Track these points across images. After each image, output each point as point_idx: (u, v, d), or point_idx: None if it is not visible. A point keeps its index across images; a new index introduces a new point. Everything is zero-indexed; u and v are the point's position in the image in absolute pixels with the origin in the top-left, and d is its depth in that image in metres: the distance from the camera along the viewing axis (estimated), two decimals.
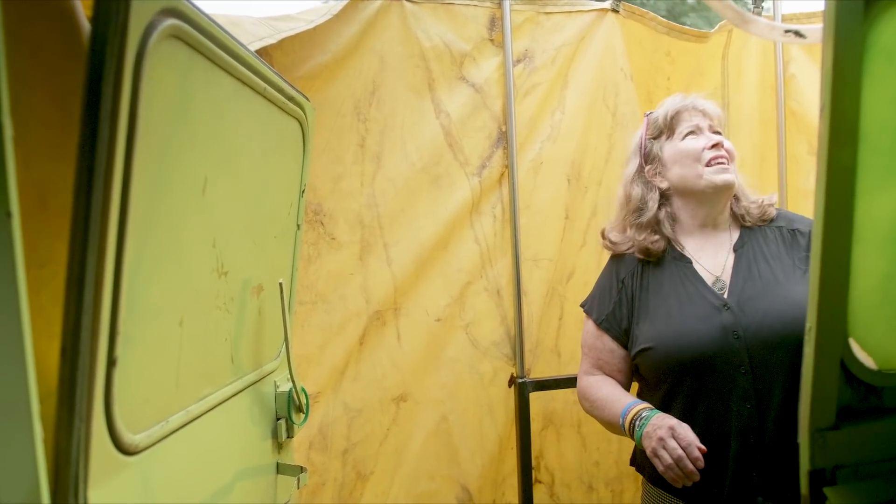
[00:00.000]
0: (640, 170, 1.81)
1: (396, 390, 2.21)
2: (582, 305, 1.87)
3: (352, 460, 2.16)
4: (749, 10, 2.51)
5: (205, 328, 1.19)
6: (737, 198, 1.77)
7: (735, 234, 1.73)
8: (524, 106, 2.32)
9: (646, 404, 1.62)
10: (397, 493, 2.22)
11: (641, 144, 1.82)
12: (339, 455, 2.14)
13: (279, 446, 1.61)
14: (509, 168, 2.30)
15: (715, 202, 1.71)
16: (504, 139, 2.30)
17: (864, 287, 1.01)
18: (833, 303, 0.99)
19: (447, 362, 2.27)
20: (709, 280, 1.67)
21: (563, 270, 2.40)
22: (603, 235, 1.88)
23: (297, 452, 1.94)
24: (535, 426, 2.37)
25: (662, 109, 1.79)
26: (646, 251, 1.74)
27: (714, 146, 1.70)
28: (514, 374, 2.34)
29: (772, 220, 1.75)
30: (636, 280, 1.75)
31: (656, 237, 1.74)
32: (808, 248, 1.66)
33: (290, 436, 1.63)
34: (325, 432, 2.12)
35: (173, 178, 1.01)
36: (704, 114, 1.75)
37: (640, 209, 1.78)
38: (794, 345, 1.48)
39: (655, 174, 1.78)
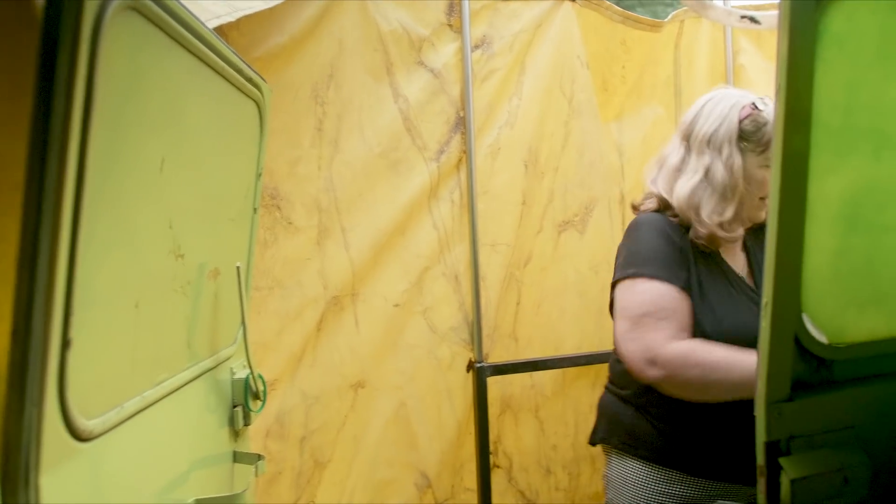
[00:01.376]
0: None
1: (354, 377, 2.19)
2: (638, 275, 1.63)
3: (309, 448, 2.14)
4: None
5: (161, 312, 1.17)
6: None
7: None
8: (482, 91, 2.32)
9: None
10: (355, 480, 2.21)
11: (735, 135, 1.63)
12: (296, 443, 2.12)
13: (236, 434, 1.59)
14: (467, 153, 2.30)
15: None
16: (462, 124, 2.29)
17: (815, 263, 1.04)
18: (788, 279, 1.01)
19: (405, 348, 2.26)
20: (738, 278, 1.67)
21: (520, 255, 2.41)
22: (722, 227, 1.64)
23: (253, 441, 1.91)
24: (493, 411, 2.38)
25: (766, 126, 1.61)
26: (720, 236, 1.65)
27: None
28: (472, 359, 2.34)
29: None
30: (691, 255, 1.65)
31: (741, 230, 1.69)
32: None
33: (246, 423, 1.61)
34: (282, 420, 2.09)
35: (130, 155, 0.99)
36: None
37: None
38: None
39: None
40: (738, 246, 1.74)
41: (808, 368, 1.08)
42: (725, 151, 1.62)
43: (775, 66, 0.97)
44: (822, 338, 1.08)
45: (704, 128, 1.65)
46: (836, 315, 1.10)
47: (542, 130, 2.40)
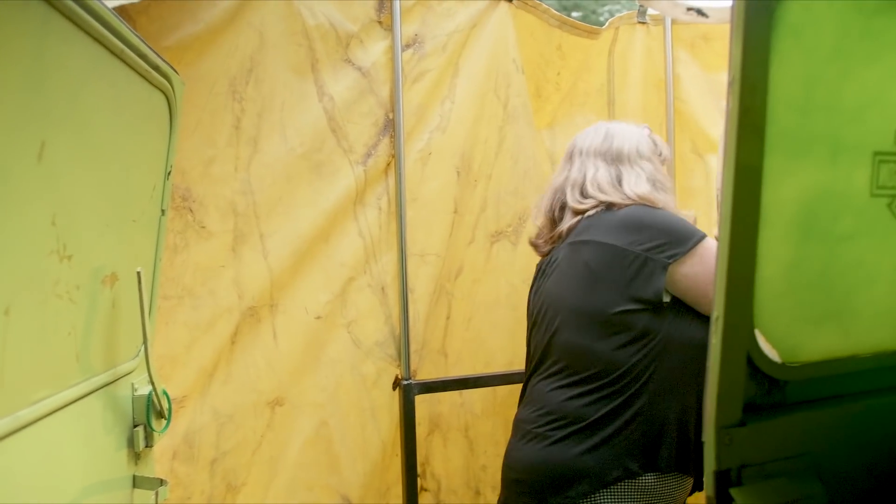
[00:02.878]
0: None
1: (272, 394, 2.06)
2: (702, 236, 1.66)
3: (221, 471, 2.00)
4: None
5: (40, 320, 1.04)
6: None
7: None
8: (413, 93, 2.23)
9: None
10: None
11: (652, 149, 1.89)
12: (206, 465, 1.97)
13: (136, 457, 1.46)
14: (396, 158, 2.20)
15: None
16: (391, 127, 2.20)
17: (768, 275, 0.98)
18: (741, 290, 0.95)
19: (327, 363, 2.14)
20: None
21: (451, 267, 2.33)
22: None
23: (158, 464, 1.78)
24: (421, 431, 2.28)
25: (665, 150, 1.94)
26: None
27: None
28: (399, 376, 2.24)
29: None
30: None
31: None
32: None
33: (149, 445, 1.49)
34: (192, 440, 1.94)
35: None
36: None
37: None
38: None
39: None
40: None
41: (760, 390, 1.02)
42: (655, 161, 1.86)
43: (728, 58, 0.92)
44: (774, 356, 1.02)
45: (626, 145, 1.84)
46: (789, 332, 1.04)
47: (475, 136, 2.32)
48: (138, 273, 1.35)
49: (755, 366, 1.00)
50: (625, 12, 2.68)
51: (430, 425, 2.33)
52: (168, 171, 1.56)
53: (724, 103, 0.94)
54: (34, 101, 0.94)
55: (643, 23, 2.61)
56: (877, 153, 1.07)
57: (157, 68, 1.38)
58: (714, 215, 2.65)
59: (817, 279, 1.06)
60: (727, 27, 0.92)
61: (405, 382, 2.22)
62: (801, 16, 0.95)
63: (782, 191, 0.99)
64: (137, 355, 1.46)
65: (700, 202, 2.67)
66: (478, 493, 2.39)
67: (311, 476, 2.14)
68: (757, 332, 0.99)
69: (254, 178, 2.01)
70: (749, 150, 0.92)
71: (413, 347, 2.25)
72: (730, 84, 0.91)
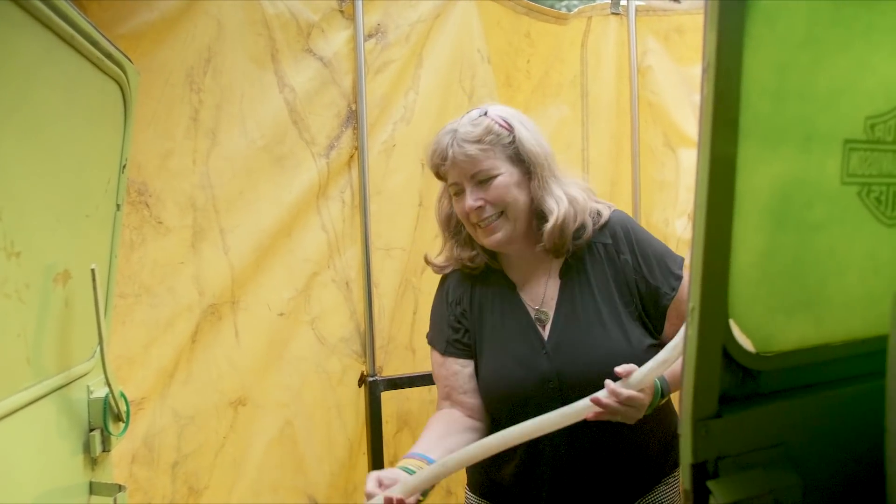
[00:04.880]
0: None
1: (234, 393, 2.02)
2: (429, 342, 1.73)
3: (183, 474, 1.95)
4: None
5: None
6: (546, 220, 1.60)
7: (559, 258, 1.62)
8: (376, 84, 2.19)
9: (413, 461, 1.45)
10: None
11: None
12: (167, 469, 1.93)
13: (93, 462, 1.42)
14: (359, 150, 2.16)
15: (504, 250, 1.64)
16: (354, 118, 2.16)
17: (742, 264, 0.97)
18: (716, 280, 0.93)
19: (291, 361, 2.11)
20: (531, 312, 1.60)
21: (417, 261, 2.28)
22: (427, 261, 1.78)
23: (117, 468, 1.73)
24: (389, 429, 2.25)
25: (428, 158, 1.65)
26: (466, 266, 1.67)
27: (475, 210, 1.54)
28: (365, 373, 2.21)
29: (602, 227, 1.61)
30: (469, 306, 1.66)
31: (474, 252, 1.65)
32: (630, 273, 1.57)
33: (106, 449, 1.44)
34: (151, 443, 1.89)
35: None
36: (463, 166, 1.56)
37: (458, 227, 1.68)
38: None
39: None
40: (548, 272, 1.63)
41: (734, 380, 1.01)
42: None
43: (702, 44, 0.90)
44: (749, 346, 1.01)
45: None
46: (763, 321, 1.03)
47: (440, 127, 2.25)
48: (93, 270, 1.31)
49: (730, 356, 0.99)
50: (582, 6, 2.68)
51: (399, 423, 2.31)
52: (123, 164, 1.52)
53: (696, 97, 0.92)
54: None
55: (616, 13, 2.61)
56: (847, 141, 1.06)
57: (110, 56, 1.34)
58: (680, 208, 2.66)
59: (790, 268, 1.05)
60: (700, 19, 0.91)
61: (371, 379, 2.19)
62: (774, 2, 0.94)
63: (756, 178, 0.98)
64: (93, 356, 1.42)
65: (670, 196, 2.67)
66: (449, 492, 2.37)
67: (276, 477, 2.10)
68: (731, 322, 0.98)
69: (213, 172, 1.96)
70: (724, 136, 0.91)
71: (378, 343, 2.22)
72: (704, 70, 0.90)
